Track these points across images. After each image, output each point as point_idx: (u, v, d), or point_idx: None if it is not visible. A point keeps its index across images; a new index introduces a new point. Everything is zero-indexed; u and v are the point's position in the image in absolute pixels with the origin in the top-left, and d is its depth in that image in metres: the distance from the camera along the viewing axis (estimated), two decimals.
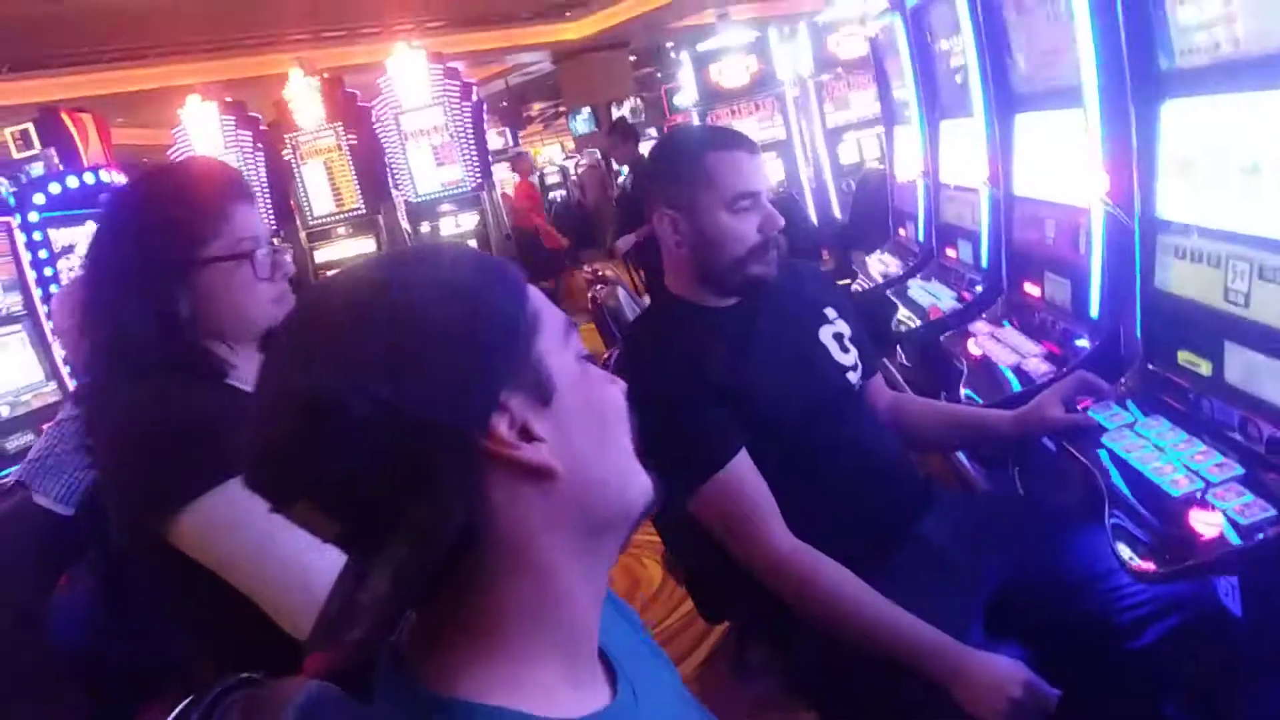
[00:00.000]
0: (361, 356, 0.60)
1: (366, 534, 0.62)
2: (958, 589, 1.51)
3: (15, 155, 4.56)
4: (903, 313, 2.91)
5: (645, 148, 6.07)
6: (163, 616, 2.22)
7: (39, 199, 3.87)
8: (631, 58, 16.77)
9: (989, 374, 2.12)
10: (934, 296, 2.88)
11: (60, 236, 3.98)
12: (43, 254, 3.86)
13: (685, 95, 7.29)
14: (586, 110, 15.52)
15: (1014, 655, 1.32)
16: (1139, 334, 1.65)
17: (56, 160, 4.29)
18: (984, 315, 2.41)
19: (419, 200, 6.84)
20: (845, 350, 1.67)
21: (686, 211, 1.57)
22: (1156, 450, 1.42)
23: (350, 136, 6.80)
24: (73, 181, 4.03)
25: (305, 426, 0.59)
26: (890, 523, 1.59)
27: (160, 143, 10.91)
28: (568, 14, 14.53)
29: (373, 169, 6.89)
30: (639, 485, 0.71)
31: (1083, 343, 1.95)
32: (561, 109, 18.03)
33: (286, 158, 6.94)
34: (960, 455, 2.76)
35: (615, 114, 15.37)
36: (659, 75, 18.23)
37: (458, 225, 6.82)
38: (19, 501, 2.00)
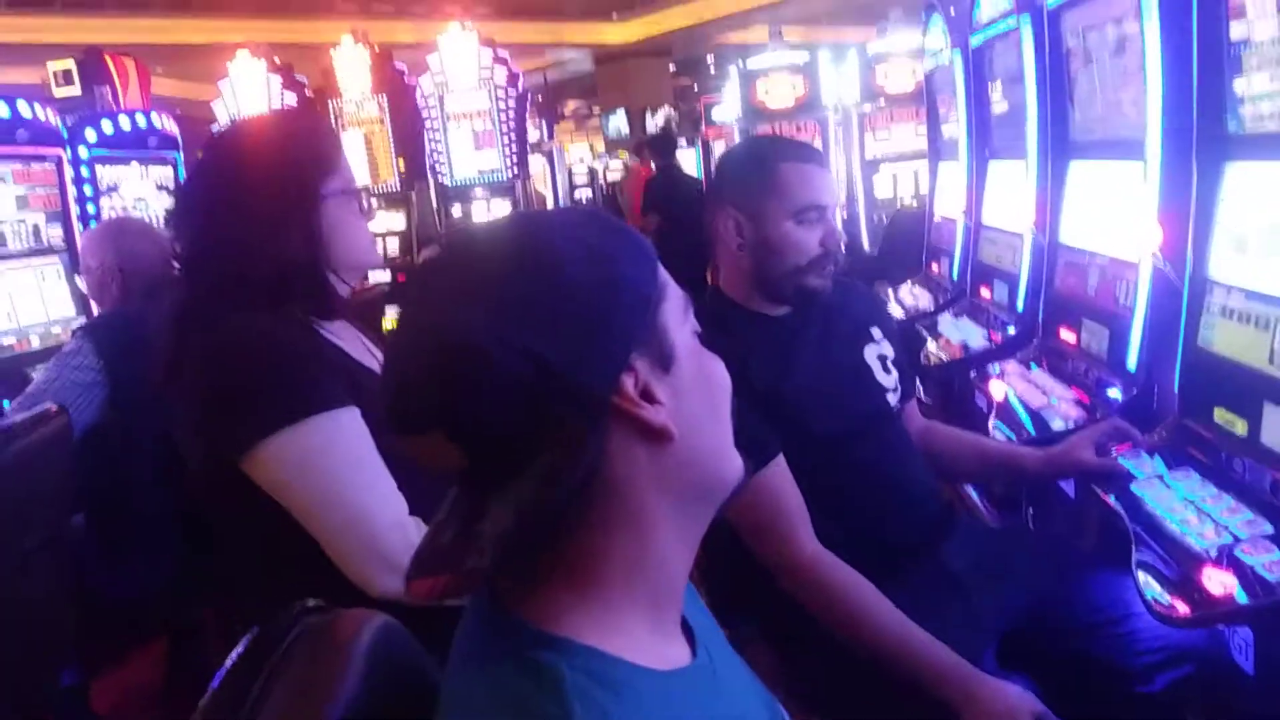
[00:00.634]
0: (511, 305, 0.64)
1: (492, 471, 0.65)
2: (973, 616, 1.53)
3: (55, 93, 4.60)
4: (930, 346, 2.95)
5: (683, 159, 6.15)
6: (156, 552, 2.26)
7: (91, 135, 3.91)
8: (671, 67, 16.86)
9: (1007, 416, 2.15)
10: (963, 333, 2.91)
11: (106, 174, 4.02)
12: (88, 190, 3.90)
13: (727, 110, 7.31)
14: (621, 112, 15.62)
15: (1023, 688, 1.35)
16: (1177, 388, 1.68)
17: (110, 99, 4.33)
18: (1016, 356, 2.44)
19: (454, 183, 6.88)
20: (887, 372, 1.71)
21: (752, 216, 1.61)
22: (1185, 502, 1.46)
23: (392, 112, 6.85)
24: (125, 122, 4.08)
25: (451, 363, 0.63)
26: (913, 544, 1.62)
27: (197, 97, 10.99)
28: (614, 15, 14.62)
29: (411, 146, 6.93)
30: (735, 461, 0.74)
31: (1114, 393, 1.98)
32: (595, 109, 18.12)
33: None
34: (972, 492, 2.80)
35: (649, 120, 15.50)
36: (695, 88, 18.32)
37: (489, 212, 6.85)
38: (59, 428, 2.03)
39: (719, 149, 10.62)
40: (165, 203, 4.36)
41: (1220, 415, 1.55)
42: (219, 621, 2.47)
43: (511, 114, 6.76)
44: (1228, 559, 1.28)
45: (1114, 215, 2.12)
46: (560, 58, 15.91)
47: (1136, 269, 1.93)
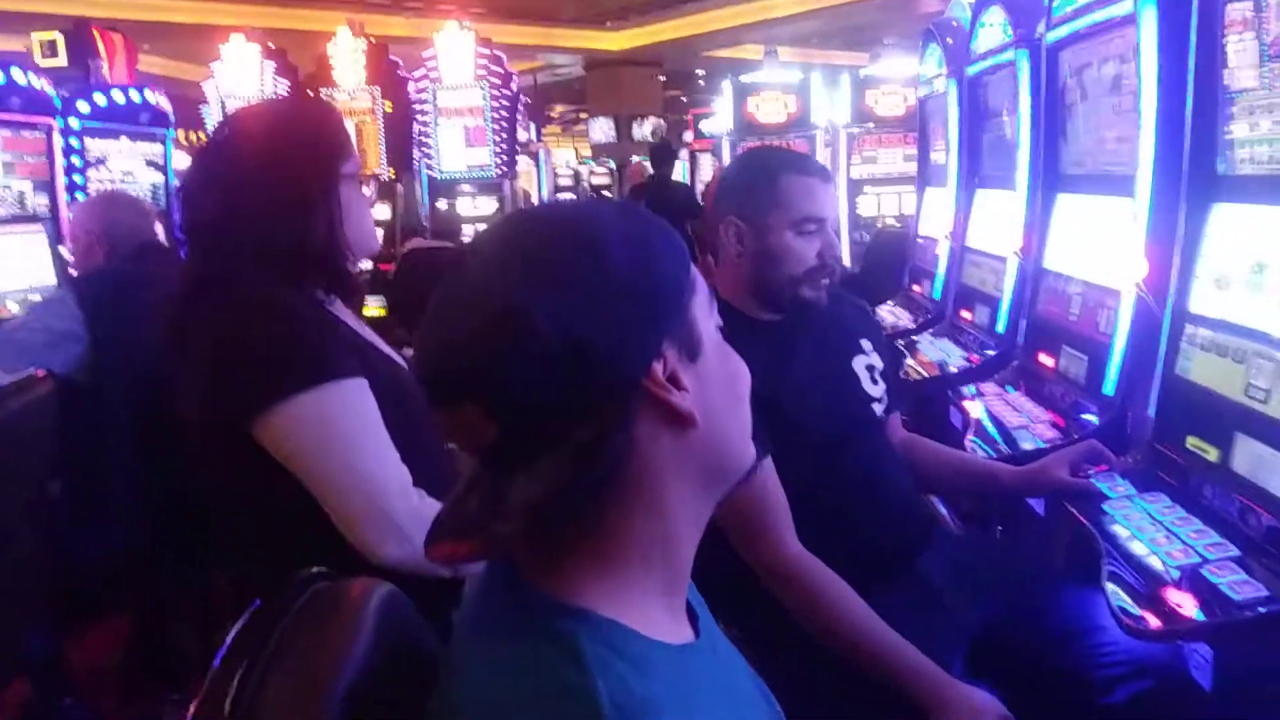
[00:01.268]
0: (557, 282, 0.66)
1: (524, 445, 0.67)
2: (944, 624, 1.57)
3: (40, 63, 4.57)
4: (909, 362, 3.01)
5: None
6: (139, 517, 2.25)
7: (83, 107, 3.90)
8: (661, 78, 16.94)
9: (984, 435, 2.21)
10: (942, 353, 2.97)
11: (95, 147, 4.00)
12: (76, 160, 3.89)
13: (718, 122, 7.40)
14: (605, 120, 15.70)
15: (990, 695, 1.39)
16: (1152, 414, 1.74)
17: (105, 72, 4.32)
18: (994, 378, 2.50)
19: (442, 177, 6.90)
20: (875, 382, 1.75)
21: (753, 224, 1.65)
22: (1155, 523, 1.51)
23: (385, 103, 6.86)
24: (118, 96, 4.07)
25: (495, 331, 0.65)
26: (891, 551, 1.65)
27: (183, 76, 10.91)
28: (608, 23, 14.67)
29: (401, 138, 6.94)
30: (750, 450, 0.78)
31: (1089, 417, 2.04)
32: (583, 115, 18.16)
33: None
34: (940, 506, 2.85)
35: (636, 129, 15.58)
36: (684, 100, 18.41)
37: (475, 208, 6.88)
38: (43, 395, 2.03)
39: (705, 161, 10.71)
40: (154, 178, 4.35)
41: (1193, 442, 1.61)
42: (188, 599, 2.47)
43: (504, 113, 6.79)
44: (1194, 578, 1.33)
45: (1099, 246, 2.18)
46: (551, 61, 15.93)
47: (1118, 297, 1.99)
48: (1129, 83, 2.02)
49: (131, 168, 4.25)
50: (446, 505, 0.76)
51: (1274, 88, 1.50)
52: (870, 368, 1.76)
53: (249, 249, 1.30)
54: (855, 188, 6.35)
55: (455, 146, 6.87)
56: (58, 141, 3.76)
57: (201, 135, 8.20)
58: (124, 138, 4.18)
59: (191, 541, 2.16)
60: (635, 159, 11.55)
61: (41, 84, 3.68)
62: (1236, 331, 1.56)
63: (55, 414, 2.07)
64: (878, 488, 1.68)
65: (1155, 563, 1.40)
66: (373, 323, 1.60)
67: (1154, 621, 1.27)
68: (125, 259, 2.40)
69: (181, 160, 4.63)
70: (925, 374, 2.87)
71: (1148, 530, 1.49)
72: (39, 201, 3.71)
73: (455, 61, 6.76)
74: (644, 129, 15.82)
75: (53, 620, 2.22)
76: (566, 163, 15.22)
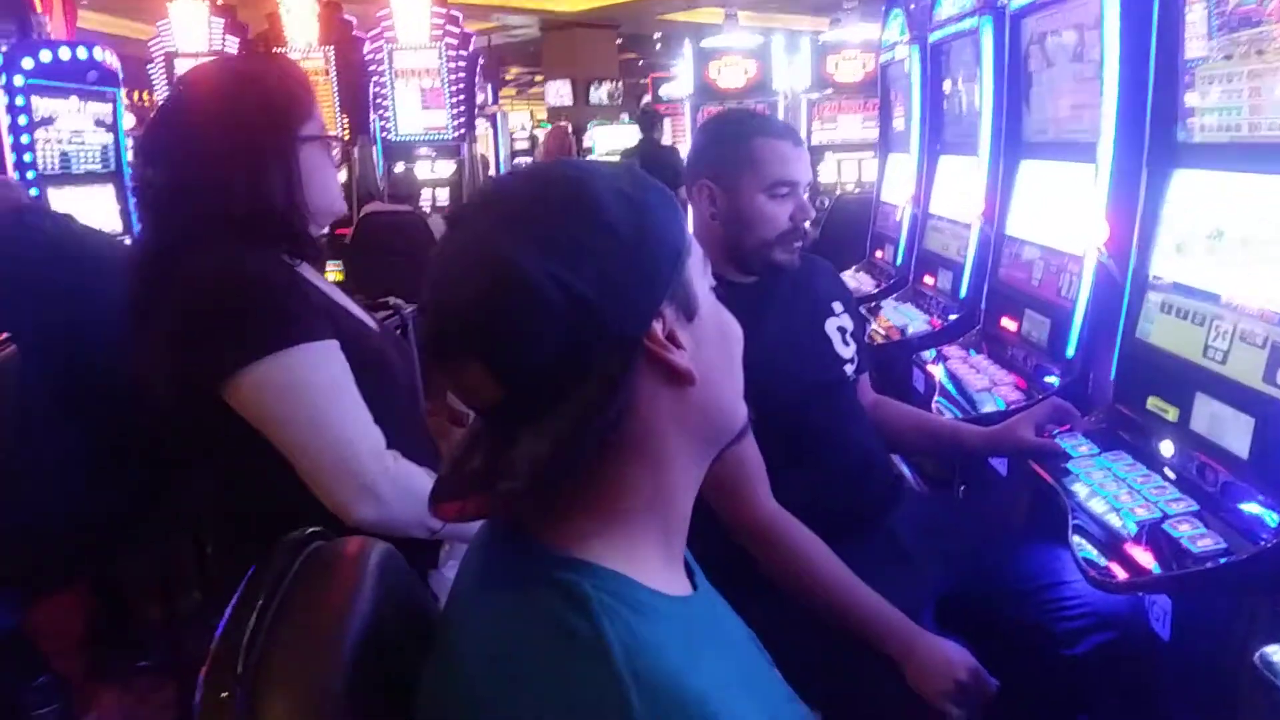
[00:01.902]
0: (555, 242, 0.67)
1: (528, 403, 0.69)
2: (913, 579, 1.62)
3: None
4: (873, 326, 3.05)
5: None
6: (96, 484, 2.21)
7: (27, 63, 3.77)
8: (618, 41, 16.79)
9: (948, 397, 2.26)
10: (906, 317, 3.02)
11: (42, 106, 3.87)
12: (22, 120, 3.75)
13: (679, 86, 7.39)
14: (562, 83, 15.56)
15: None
16: (1114, 376, 1.79)
17: (48, 28, 4.17)
18: (958, 341, 2.55)
19: (398, 139, 6.79)
20: (846, 344, 1.78)
21: (726, 188, 1.66)
22: (1117, 480, 1.56)
23: (338, 64, 6.73)
24: (64, 53, 3.93)
25: (496, 290, 0.66)
26: (861, 510, 1.69)
27: (125, 34, 10.56)
28: None
29: (356, 100, 6.82)
30: (742, 408, 0.80)
31: (1052, 379, 2.10)
32: (538, 77, 17.94)
33: None
34: (904, 467, 2.92)
35: (593, 92, 15.47)
36: (641, 63, 18.28)
37: (433, 171, 6.80)
38: (5, 358, 1.99)
39: (667, 126, 10.70)
40: (103, 139, 4.23)
41: (1153, 403, 1.66)
42: (146, 565, 2.45)
43: (461, 75, 6.70)
44: (1155, 532, 1.38)
45: (1061, 212, 2.22)
46: (506, 22, 15.68)
47: (1080, 262, 2.03)
48: (1092, 50, 2.05)
49: (81, 126, 4.12)
50: (448, 463, 0.77)
51: (1231, 57, 1.53)
52: (841, 329, 1.79)
53: (206, 214, 1.28)
54: (816, 154, 6.36)
55: (412, 109, 6.77)
56: (1, 99, 3.64)
57: (148, 95, 7.98)
58: (74, 97, 4.05)
59: (148, 504, 2.14)
60: (560, 123, 11.53)
61: None
62: (1196, 295, 1.61)
63: (15, 379, 2.02)
64: (848, 447, 1.72)
65: (1116, 519, 1.45)
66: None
67: (1119, 573, 1.32)
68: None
69: (129, 121, 4.51)
70: (888, 338, 2.92)
71: (1109, 487, 1.54)
72: None
73: (411, 21, 6.64)
74: (600, 92, 15.70)
75: (15, 595, 2.19)
76: (522, 125, 15.04)
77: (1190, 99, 1.65)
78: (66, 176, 4.00)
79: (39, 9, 4.61)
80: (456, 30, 6.69)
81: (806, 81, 6.37)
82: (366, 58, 6.69)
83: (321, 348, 1.26)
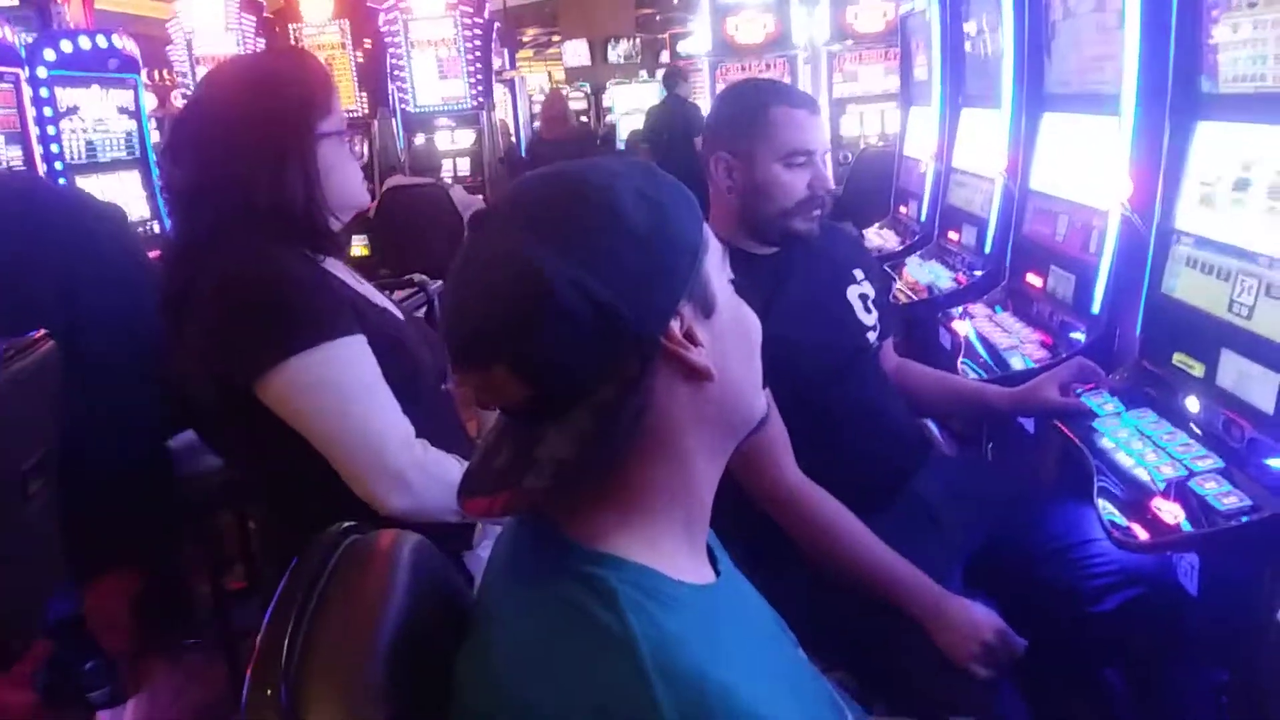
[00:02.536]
0: (578, 246, 0.69)
1: (552, 403, 0.71)
2: (942, 542, 1.64)
3: None
4: (898, 284, 3.04)
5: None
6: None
7: (49, 54, 3.81)
8: None
9: (973, 355, 2.25)
10: (931, 275, 3.00)
11: (65, 96, 3.92)
12: (47, 111, 3.80)
13: (696, 43, 7.31)
14: (579, 43, 15.42)
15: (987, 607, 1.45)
16: (1139, 332, 1.78)
17: (67, 18, 4.20)
18: (983, 298, 2.54)
19: (417, 111, 6.79)
20: (869, 311, 1.78)
21: (743, 159, 1.66)
22: (1143, 438, 1.56)
23: (354, 37, 6.72)
24: (84, 42, 3.97)
25: (518, 294, 0.68)
26: (889, 475, 1.70)
27: (143, 12, 10.57)
28: None
29: (373, 73, 6.82)
30: (761, 401, 0.82)
31: (1078, 335, 2.08)
32: (555, 38, 17.78)
33: None
34: (932, 426, 2.92)
35: (611, 51, 15.32)
36: (659, 18, 18.03)
37: (453, 141, 6.79)
38: (43, 356, 2.03)
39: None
40: (127, 125, 4.27)
41: (1179, 359, 1.65)
42: (196, 543, 2.51)
43: (477, 42, 6.67)
44: (1181, 490, 1.38)
45: (1085, 166, 2.20)
46: None
47: (1105, 218, 2.01)
48: (1113, 1, 2.01)
49: (104, 114, 4.16)
50: (475, 461, 0.79)
51: (1255, 5, 1.50)
52: (863, 296, 1.79)
53: (231, 211, 1.31)
54: (838, 107, 6.30)
55: (429, 79, 6.75)
56: (26, 92, 3.68)
57: (169, 74, 8.01)
58: (95, 86, 4.09)
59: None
60: (554, 86, 11.48)
61: (4, 32, 3.59)
62: (1221, 249, 1.59)
63: (58, 375, 2.07)
64: (873, 415, 1.72)
65: (1143, 475, 1.45)
66: (356, 262, 1.60)
67: (1142, 534, 1.33)
68: None
69: (150, 102, 4.54)
70: (914, 296, 2.90)
71: (1135, 445, 1.54)
72: (12, 154, 3.64)
73: None
74: (618, 51, 15.55)
75: (73, 579, 2.26)
76: (540, 87, 14.94)
77: (1214, 49, 1.62)
78: (93, 165, 4.06)
79: None
80: None
81: (826, 34, 6.27)
82: (382, 29, 6.67)
83: (348, 344, 1.29)
